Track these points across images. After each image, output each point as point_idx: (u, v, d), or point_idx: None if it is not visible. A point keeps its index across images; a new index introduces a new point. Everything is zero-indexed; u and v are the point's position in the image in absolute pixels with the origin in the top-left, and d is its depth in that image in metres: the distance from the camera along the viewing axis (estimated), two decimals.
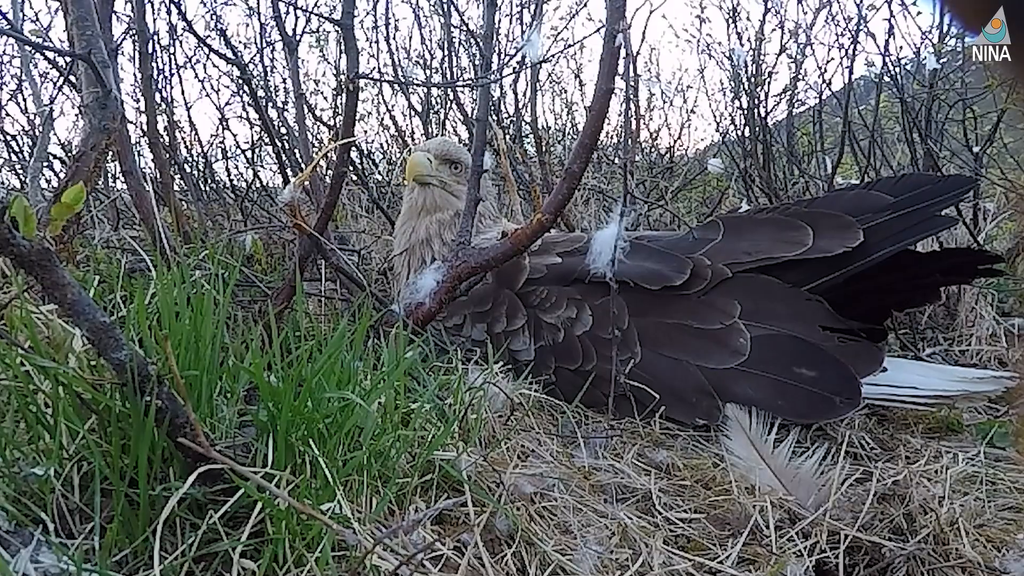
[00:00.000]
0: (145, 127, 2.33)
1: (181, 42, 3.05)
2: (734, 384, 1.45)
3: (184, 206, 2.79)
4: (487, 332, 1.73)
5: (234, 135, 4.64)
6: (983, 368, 1.82)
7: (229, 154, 3.50)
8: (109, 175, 2.82)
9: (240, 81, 2.89)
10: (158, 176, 2.33)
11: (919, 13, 2.39)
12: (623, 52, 1.45)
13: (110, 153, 1.67)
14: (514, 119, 3.36)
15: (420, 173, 1.95)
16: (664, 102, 4.26)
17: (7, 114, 3.31)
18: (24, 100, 3.12)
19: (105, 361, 0.81)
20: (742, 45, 3.24)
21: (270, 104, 3.08)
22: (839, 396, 1.38)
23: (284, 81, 3.47)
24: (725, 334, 1.49)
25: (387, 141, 4.13)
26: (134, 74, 3.24)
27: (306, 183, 1.89)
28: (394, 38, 3.67)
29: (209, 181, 3.49)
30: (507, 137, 3.10)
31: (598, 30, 1.58)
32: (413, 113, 3.79)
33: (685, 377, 1.50)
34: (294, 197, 1.63)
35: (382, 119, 4.02)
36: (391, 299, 2.04)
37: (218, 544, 0.84)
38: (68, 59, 2.01)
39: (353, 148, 2.59)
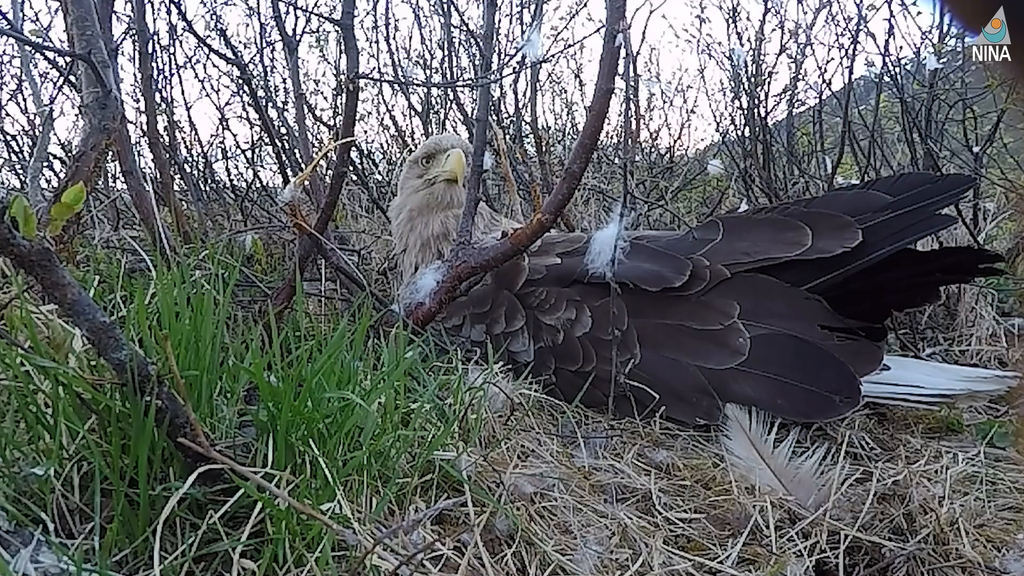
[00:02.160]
0: (145, 127, 2.33)
1: (181, 42, 3.06)
2: (734, 383, 1.46)
3: (184, 206, 2.79)
4: (486, 333, 1.73)
5: (234, 135, 4.65)
6: (984, 368, 1.82)
7: (229, 154, 3.50)
8: (109, 175, 2.82)
9: (240, 81, 2.89)
10: (158, 176, 2.33)
11: (919, 13, 2.39)
12: (623, 52, 1.45)
13: (110, 153, 1.67)
14: (514, 119, 3.36)
15: (463, 172, 1.94)
16: (664, 102, 4.26)
17: (7, 114, 3.32)
18: (24, 100, 3.12)
19: (105, 361, 0.81)
20: (742, 45, 3.24)
21: (270, 104, 3.08)
22: (839, 395, 1.38)
23: (284, 81, 3.47)
24: (724, 334, 1.49)
25: (387, 141, 4.14)
26: (134, 74, 3.25)
27: (306, 183, 1.89)
28: (394, 38, 3.68)
29: (209, 181, 3.49)
30: (507, 137, 3.10)
31: (598, 30, 1.58)
32: (413, 113, 3.79)
33: (685, 377, 1.50)
34: (294, 196, 1.63)
35: (382, 119, 4.02)
36: (391, 298, 2.04)
37: (218, 544, 0.84)
38: (68, 59, 2.01)
39: (353, 148, 2.59)
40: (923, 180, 1.58)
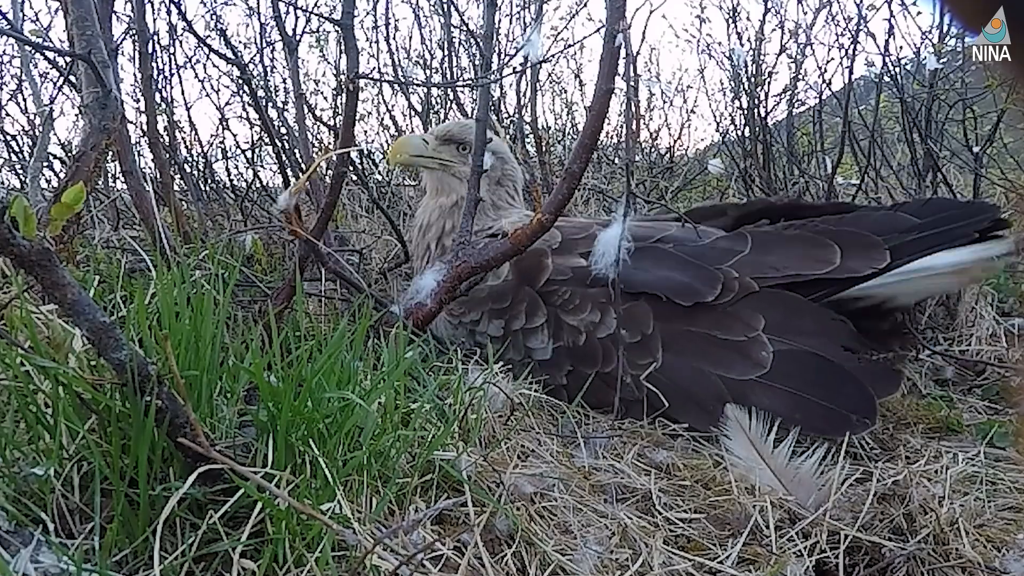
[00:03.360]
0: (145, 127, 2.33)
1: (181, 42, 3.05)
2: (752, 394, 1.45)
3: (184, 206, 2.79)
4: (504, 328, 1.72)
5: (234, 135, 4.63)
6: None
7: (229, 154, 3.50)
8: (109, 175, 2.82)
9: (240, 81, 2.89)
10: (158, 176, 2.33)
11: (919, 13, 2.39)
12: (623, 52, 1.45)
13: (110, 153, 1.67)
14: (514, 119, 3.36)
15: (403, 152, 1.96)
16: (664, 102, 4.25)
17: (7, 114, 3.32)
18: (24, 100, 3.12)
19: (105, 361, 0.81)
20: (742, 45, 3.25)
21: (270, 104, 3.07)
22: (855, 414, 1.39)
23: (284, 81, 3.47)
24: (748, 346, 1.49)
25: (387, 141, 4.13)
26: (134, 74, 3.24)
27: (307, 184, 1.89)
28: (394, 38, 3.66)
29: (209, 181, 3.48)
30: (507, 137, 3.10)
31: (598, 30, 1.58)
32: (413, 113, 3.78)
33: (705, 385, 1.50)
34: (289, 204, 1.62)
35: (382, 119, 4.01)
36: (391, 299, 2.04)
37: (218, 544, 0.84)
38: (68, 59, 2.01)
39: (353, 147, 2.59)
40: (950, 205, 1.62)
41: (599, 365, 1.60)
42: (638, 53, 3.33)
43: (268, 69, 3.27)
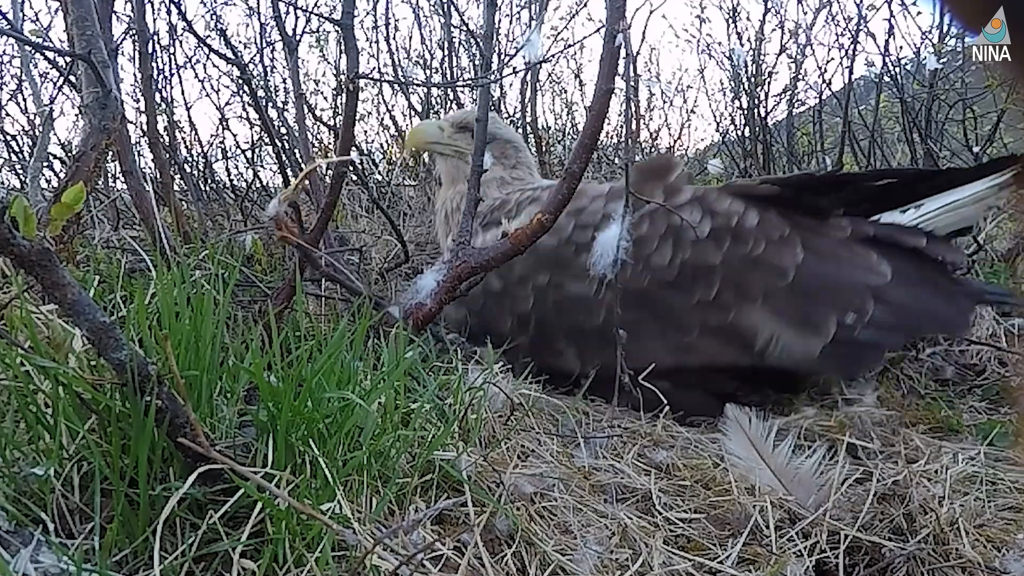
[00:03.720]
0: (145, 127, 2.34)
1: (181, 42, 3.06)
2: (890, 290, 1.58)
3: (184, 206, 2.79)
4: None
5: (234, 135, 4.63)
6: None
7: (229, 154, 3.50)
8: (109, 175, 2.82)
9: (240, 81, 2.89)
10: (158, 176, 2.33)
11: (919, 13, 2.40)
12: (623, 52, 1.45)
13: (110, 153, 1.67)
14: (514, 119, 3.36)
15: (421, 140, 2.00)
16: (664, 102, 4.26)
17: (7, 114, 3.32)
18: (24, 100, 3.12)
19: (105, 361, 0.81)
20: (742, 45, 3.25)
21: (270, 104, 3.08)
22: (961, 316, 1.63)
23: (284, 81, 3.48)
24: (868, 260, 1.63)
25: (387, 141, 4.13)
26: (134, 74, 3.24)
27: (306, 183, 1.88)
28: (394, 38, 3.66)
29: (209, 181, 3.48)
30: None
31: (598, 30, 1.58)
32: (413, 113, 3.79)
33: (848, 278, 1.61)
34: (279, 211, 1.60)
35: (382, 119, 4.02)
36: (389, 299, 2.05)
37: (218, 544, 0.84)
38: (68, 59, 2.01)
39: (353, 148, 2.59)
40: (1004, 292, 1.86)
41: (749, 247, 1.65)
42: (638, 53, 3.35)
43: (268, 69, 3.28)
